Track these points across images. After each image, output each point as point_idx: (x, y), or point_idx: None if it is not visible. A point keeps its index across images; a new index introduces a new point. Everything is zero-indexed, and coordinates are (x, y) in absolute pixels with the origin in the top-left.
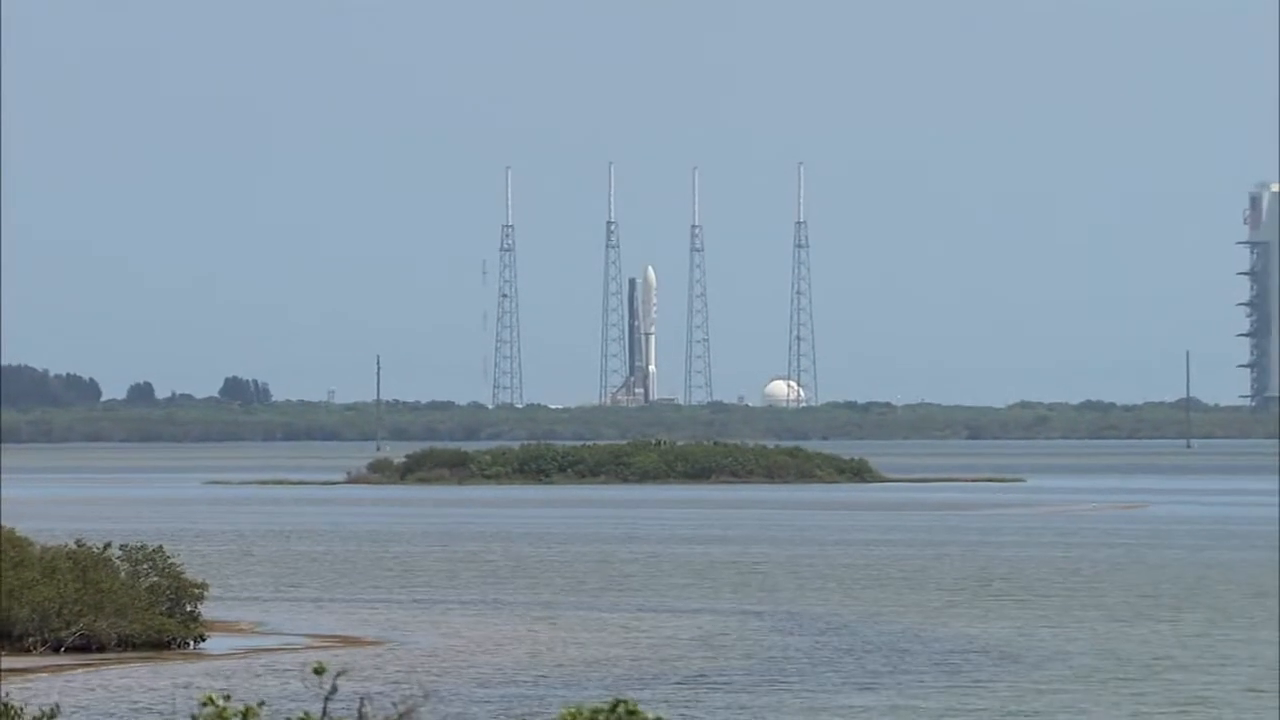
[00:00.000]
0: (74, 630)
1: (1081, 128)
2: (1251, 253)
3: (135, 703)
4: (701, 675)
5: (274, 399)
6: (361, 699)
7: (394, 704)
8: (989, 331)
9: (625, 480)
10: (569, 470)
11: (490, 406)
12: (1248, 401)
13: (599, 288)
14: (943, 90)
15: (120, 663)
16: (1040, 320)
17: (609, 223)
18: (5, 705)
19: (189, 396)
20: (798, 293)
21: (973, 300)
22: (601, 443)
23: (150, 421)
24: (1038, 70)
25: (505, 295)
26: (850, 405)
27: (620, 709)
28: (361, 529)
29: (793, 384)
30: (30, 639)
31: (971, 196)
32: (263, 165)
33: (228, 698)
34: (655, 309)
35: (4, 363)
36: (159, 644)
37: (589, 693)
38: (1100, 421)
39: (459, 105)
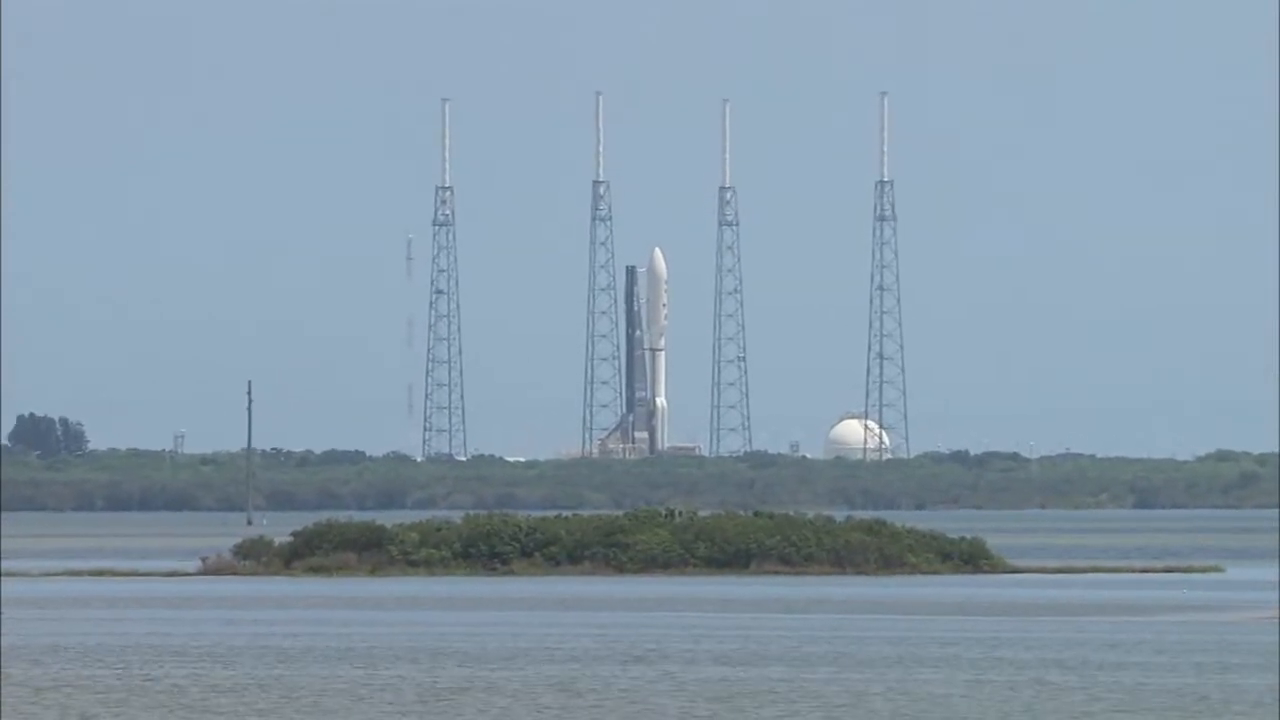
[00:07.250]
0: None
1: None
2: None
3: None
4: None
5: (91, 447)
6: None
7: None
8: (1163, 350)
9: (621, 569)
10: (536, 555)
11: (419, 459)
12: None
13: (581, 280)
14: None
15: None
16: (1242, 330)
17: (596, 183)
18: None
19: None
20: (880, 289)
21: (1139, 304)
22: (585, 513)
23: None
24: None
25: (441, 292)
26: (958, 457)
27: None
28: (224, 644)
29: (872, 426)
30: None
31: (1135, 151)
32: (75, 111)
33: None
34: (666, 313)
35: None
36: None
37: None
38: None
39: (373, 11)
